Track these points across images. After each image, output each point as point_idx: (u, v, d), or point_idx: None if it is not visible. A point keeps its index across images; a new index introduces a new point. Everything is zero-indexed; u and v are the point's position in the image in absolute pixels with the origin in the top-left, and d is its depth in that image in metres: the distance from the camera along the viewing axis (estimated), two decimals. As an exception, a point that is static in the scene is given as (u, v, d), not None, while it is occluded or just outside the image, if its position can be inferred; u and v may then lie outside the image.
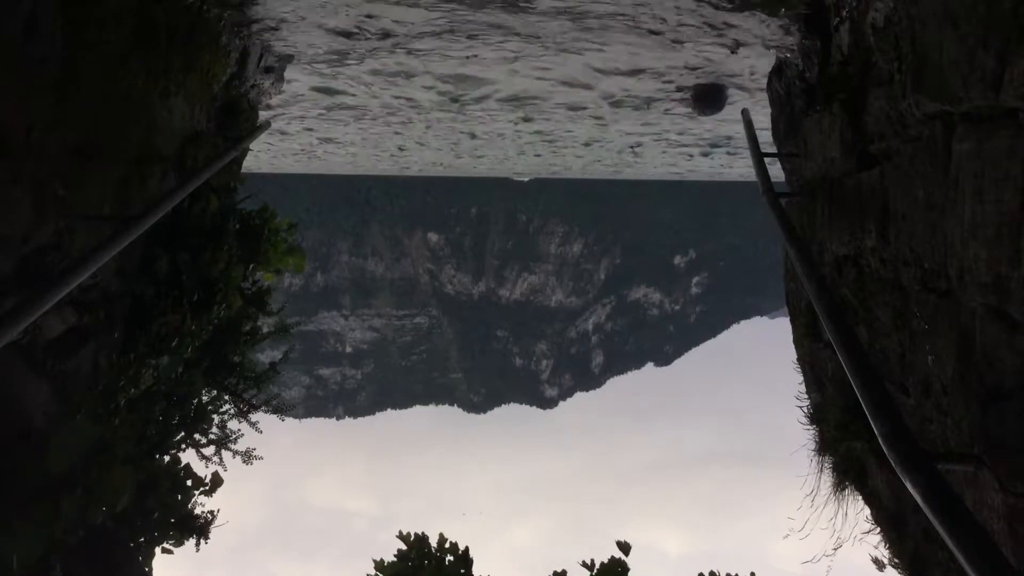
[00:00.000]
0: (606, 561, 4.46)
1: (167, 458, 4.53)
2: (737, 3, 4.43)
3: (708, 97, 6.62)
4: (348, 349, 79.43)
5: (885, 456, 2.05)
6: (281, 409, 5.19)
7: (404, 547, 4.65)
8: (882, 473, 3.30)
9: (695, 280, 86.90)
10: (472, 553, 4.69)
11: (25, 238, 2.91)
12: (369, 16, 5.10)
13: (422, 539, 4.68)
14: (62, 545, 3.15)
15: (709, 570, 4.53)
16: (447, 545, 4.67)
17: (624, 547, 4.49)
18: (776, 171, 4.82)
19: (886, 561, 3.49)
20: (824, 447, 3.83)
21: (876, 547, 3.58)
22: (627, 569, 4.44)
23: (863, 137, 3.30)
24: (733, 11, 4.57)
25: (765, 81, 5.53)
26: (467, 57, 6.07)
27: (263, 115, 6.70)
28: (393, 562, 4.60)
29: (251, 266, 5.26)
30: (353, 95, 7.82)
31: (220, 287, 4.57)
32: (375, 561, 4.63)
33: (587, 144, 12.12)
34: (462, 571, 4.57)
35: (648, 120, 8.97)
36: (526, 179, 27.27)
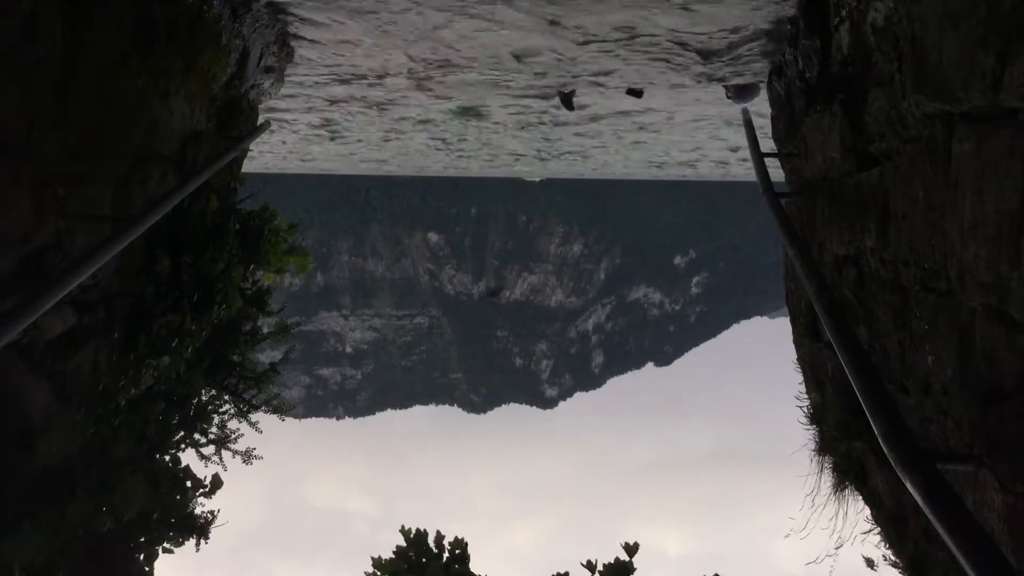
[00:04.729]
0: (610, 563, 4.43)
1: (167, 458, 4.53)
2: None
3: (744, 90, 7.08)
4: (348, 349, 79.35)
5: (885, 456, 2.04)
6: (281, 409, 5.18)
7: (404, 543, 4.64)
8: (882, 473, 3.30)
9: (695, 280, 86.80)
10: (472, 552, 4.68)
11: (25, 238, 2.91)
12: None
13: (421, 536, 4.67)
14: (67, 550, 3.15)
15: (704, 573, 4.52)
16: (445, 542, 4.66)
17: (630, 549, 4.46)
18: (776, 171, 4.83)
19: (877, 561, 3.49)
20: (824, 447, 3.84)
21: (876, 547, 3.58)
22: (632, 569, 4.42)
23: (863, 137, 3.30)
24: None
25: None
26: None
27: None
28: (391, 559, 4.58)
29: (251, 266, 5.26)
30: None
31: (220, 287, 4.57)
32: (373, 559, 4.61)
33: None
34: (458, 567, 4.55)
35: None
36: (537, 179, 27.22)
